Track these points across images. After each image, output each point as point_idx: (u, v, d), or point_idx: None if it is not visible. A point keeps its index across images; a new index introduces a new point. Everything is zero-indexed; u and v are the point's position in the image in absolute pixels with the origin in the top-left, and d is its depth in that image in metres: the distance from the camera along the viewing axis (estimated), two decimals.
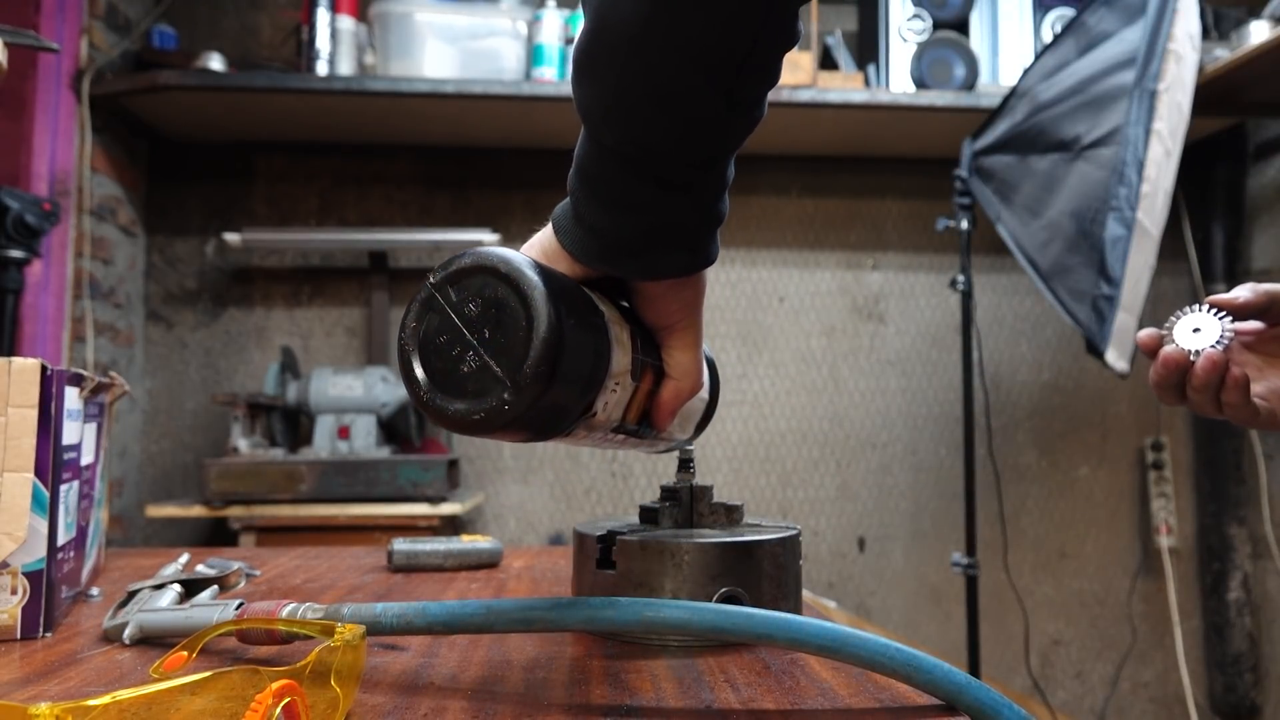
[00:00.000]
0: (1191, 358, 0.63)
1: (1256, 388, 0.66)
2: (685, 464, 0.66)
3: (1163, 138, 1.60)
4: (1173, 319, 0.66)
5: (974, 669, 1.87)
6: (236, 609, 0.52)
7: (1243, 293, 0.65)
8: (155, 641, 0.54)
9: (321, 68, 1.99)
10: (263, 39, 2.32)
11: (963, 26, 2.14)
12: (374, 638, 0.52)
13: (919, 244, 2.44)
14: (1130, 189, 1.59)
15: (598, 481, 2.33)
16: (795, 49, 2.26)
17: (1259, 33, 1.88)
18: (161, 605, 0.58)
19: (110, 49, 2.04)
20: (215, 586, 0.64)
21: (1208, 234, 2.38)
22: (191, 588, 0.63)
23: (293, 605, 0.51)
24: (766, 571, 0.57)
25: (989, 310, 2.43)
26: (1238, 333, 0.65)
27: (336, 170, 2.33)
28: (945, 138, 2.14)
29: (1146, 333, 0.67)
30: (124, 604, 0.59)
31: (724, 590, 0.55)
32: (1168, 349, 0.64)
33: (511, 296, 0.42)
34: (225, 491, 1.83)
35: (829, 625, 0.43)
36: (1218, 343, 0.62)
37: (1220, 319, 0.63)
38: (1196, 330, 0.63)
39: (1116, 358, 1.60)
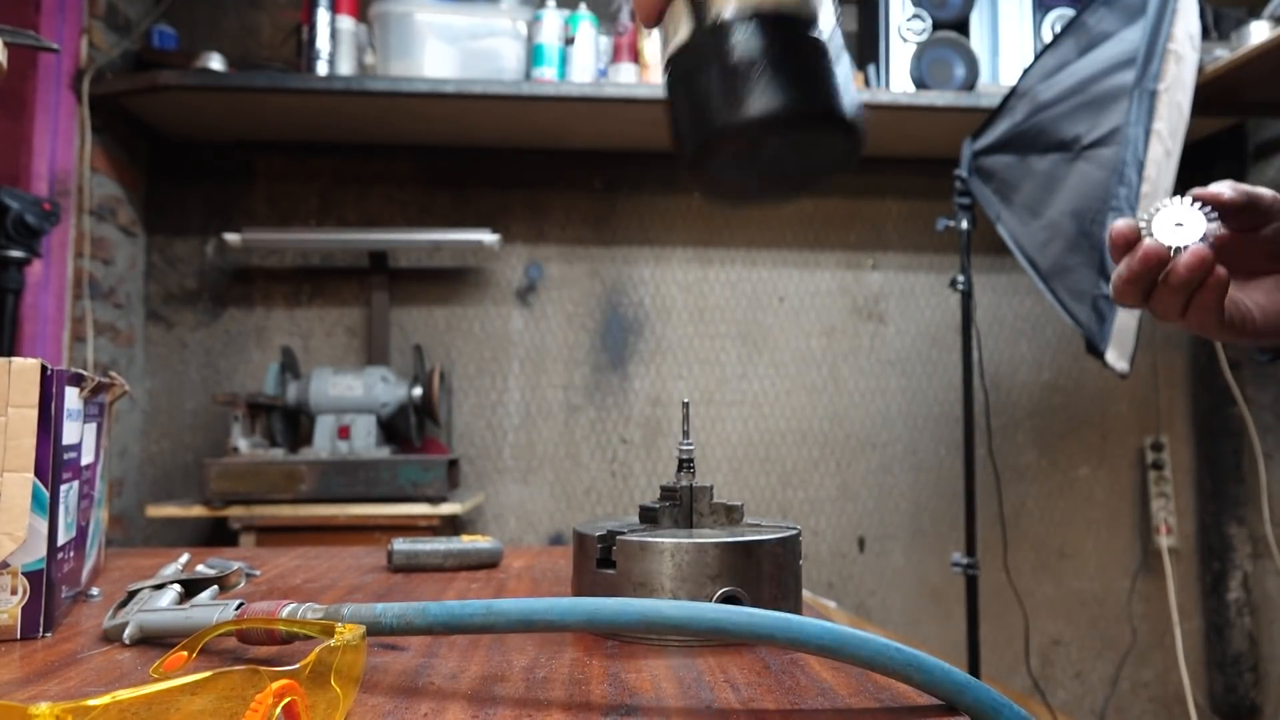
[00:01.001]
0: (1172, 254, 0.58)
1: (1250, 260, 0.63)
2: (685, 464, 0.66)
3: (1163, 138, 1.60)
4: (1151, 210, 0.60)
5: (974, 669, 1.87)
6: (236, 609, 0.52)
7: (1224, 189, 0.60)
8: (155, 641, 0.54)
9: (321, 68, 1.99)
10: (263, 39, 2.32)
11: (963, 26, 2.14)
12: (374, 638, 0.52)
13: (919, 244, 2.44)
14: (1130, 189, 1.59)
15: (598, 481, 2.33)
16: None
17: (1259, 33, 1.88)
18: (161, 605, 0.58)
19: (110, 49, 2.04)
20: (215, 586, 0.64)
21: None
22: (191, 588, 0.63)
23: (293, 605, 0.51)
24: (766, 571, 0.57)
25: (989, 310, 2.44)
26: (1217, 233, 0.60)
27: (336, 170, 2.33)
28: (945, 138, 2.14)
29: (1123, 223, 0.61)
30: (124, 604, 0.59)
31: (724, 590, 0.55)
32: (1148, 243, 0.59)
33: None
34: (225, 491, 1.84)
35: (829, 625, 0.43)
36: (1204, 238, 0.58)
37: (1205, 213, 0.58)
38: (1179, 225, 0.58)
39: (1116, 358, 1.60)
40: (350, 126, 2.18)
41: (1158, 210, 0.59)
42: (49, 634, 0.55)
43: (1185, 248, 0.57)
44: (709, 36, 0.45)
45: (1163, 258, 0.58)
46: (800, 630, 0.43)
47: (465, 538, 0.84)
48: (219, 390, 2.24)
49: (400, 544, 0.81)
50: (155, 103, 2.02)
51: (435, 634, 0.51)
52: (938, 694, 0.42)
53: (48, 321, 1.88)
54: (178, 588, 0.61)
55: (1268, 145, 2.31)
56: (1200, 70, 1.78)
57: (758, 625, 0.43)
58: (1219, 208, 0.59)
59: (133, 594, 0.61)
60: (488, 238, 2.14)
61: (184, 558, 0.78)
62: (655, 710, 0.42)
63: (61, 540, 0.57)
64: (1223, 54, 1.91)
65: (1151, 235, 0.59)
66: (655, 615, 0.45)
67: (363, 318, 2.30)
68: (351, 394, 2.01)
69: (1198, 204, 0.59)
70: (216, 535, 2.19)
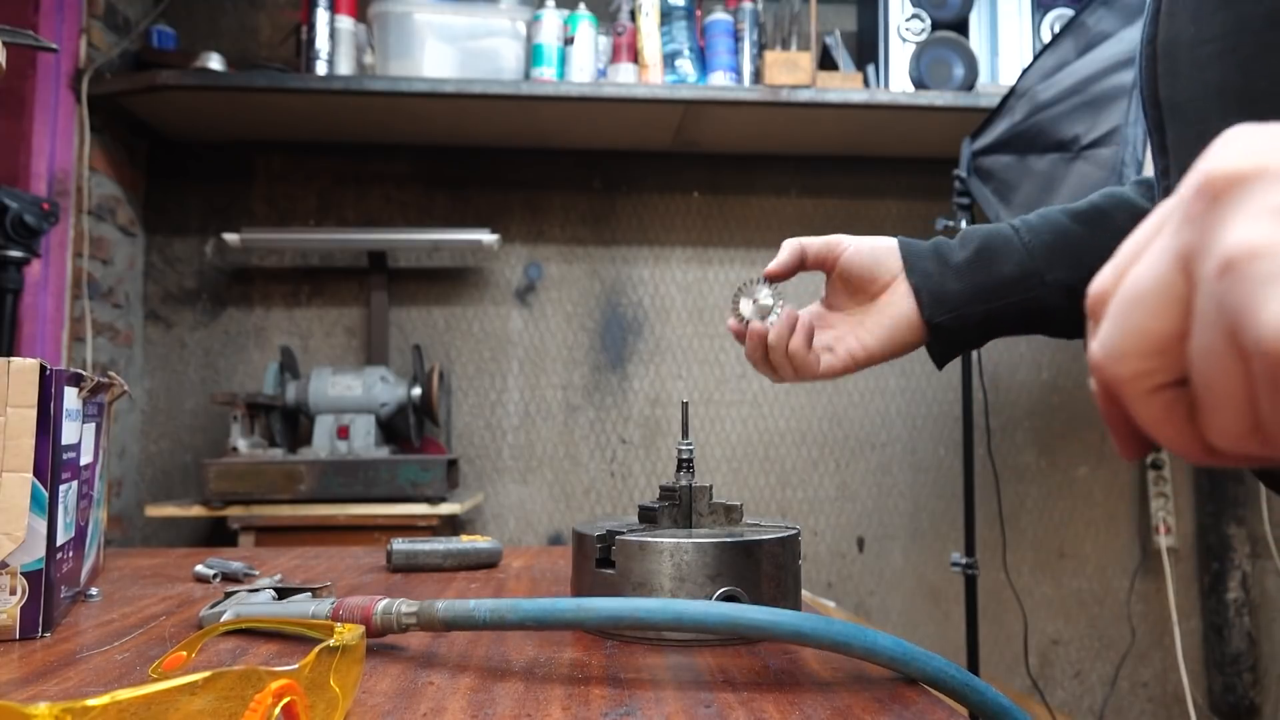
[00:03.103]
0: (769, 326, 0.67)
1: (823, 338, 0.70)
2: (684, 464, 0.66)
3: None
4: (736, 297, 0.69)
5: (973, 669, 1.87)
6: (331, 605, 0.53)
7: (783, 255, 0.69)
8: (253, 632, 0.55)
9: (321, 68, 1.99)
10: (262, 39, 2.32)
11: (962, 26, 2.14)
12: (373, 639, 0.52)
13: None
14: None
15: (597, 481, 2.33)
16: (794, 49, 2.24)
17: None
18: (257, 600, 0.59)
19: (109, 49, 2.04)
20: (309, 593, 0.64)
21: None
22: (284, 595, 0.63)
23: (386, 601, 0.51)
24: (766, 571, 0.57)
25: None
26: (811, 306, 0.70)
27: (336, 170, 2.33)
28: (944, 138, 2.14)
29: (731, 323, 0.70)
30: (218, 604, 0.60)
31: (723, 590, 0.55)
32: (751, 326, 0.67)
33: None
34: (225, 491, 1.83)
35: (900, 641, 0.45)
36: (768, 316, 0.66)
37: (771, 289, 0.67)
38: (760, 303, 0.68)
39: None
40: (350, 126, 2.18)
41: (740, 296, 0.68)
42: (48, 634, 0.55)
43: (769, 320, 0.66)
44: None
45: (764, 334, 0.66)
46: (871, 641, 0.45)
47: (464, 538, 0.84)
48: (218, 390, 2.24)
49: (399, 544, 0.81)
50: (154, 102, 2.02)
51: (527, 629, 0.51)
52: (985, 714, 0.43)
53: (47, 321, 1.88)
54: (272, 592, 0.62)
55: None
56: None
57: (822, 631, 0.45)
58: (783, 276, 0.69)
59: (229, 595, 0.61)
60: (487, 238, 2.14)
61: (277, 575, 0.78)
62: (655, 710, 0.42)
63: (60, 540, 0.57)
64: None
65: (745, 320, 0.67)
66: (741, 618, 0.46)
67: (362, 318, 2.30)
68: (351, 394, 2.00)
69: (768, 282, 0.67)
70: (216, 535, 2.19)
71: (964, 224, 1.93)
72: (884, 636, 0.45)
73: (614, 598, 0.48)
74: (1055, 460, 2.43)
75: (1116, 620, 2.40)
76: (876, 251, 0.69)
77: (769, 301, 0.67)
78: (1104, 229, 0.66)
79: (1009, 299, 0.66)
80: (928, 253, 0.68)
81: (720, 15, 2.13)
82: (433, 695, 0.44)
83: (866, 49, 2.23)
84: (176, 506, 1.87)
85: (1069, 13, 2.14)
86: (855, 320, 0.71)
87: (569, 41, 2.07)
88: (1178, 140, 0.49)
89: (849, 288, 0.71)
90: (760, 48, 2.13)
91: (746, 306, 0.68)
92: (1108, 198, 0.68)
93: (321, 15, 2.00)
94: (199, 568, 0.77)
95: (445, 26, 2.03)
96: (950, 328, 0.67)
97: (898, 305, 0.69)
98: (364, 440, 1.98)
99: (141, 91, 1.95)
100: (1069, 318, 0.66)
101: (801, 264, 0.70)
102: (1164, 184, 0.51)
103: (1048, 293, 0.66)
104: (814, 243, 0.69)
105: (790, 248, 0.69)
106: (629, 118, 2.11)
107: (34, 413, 0.54)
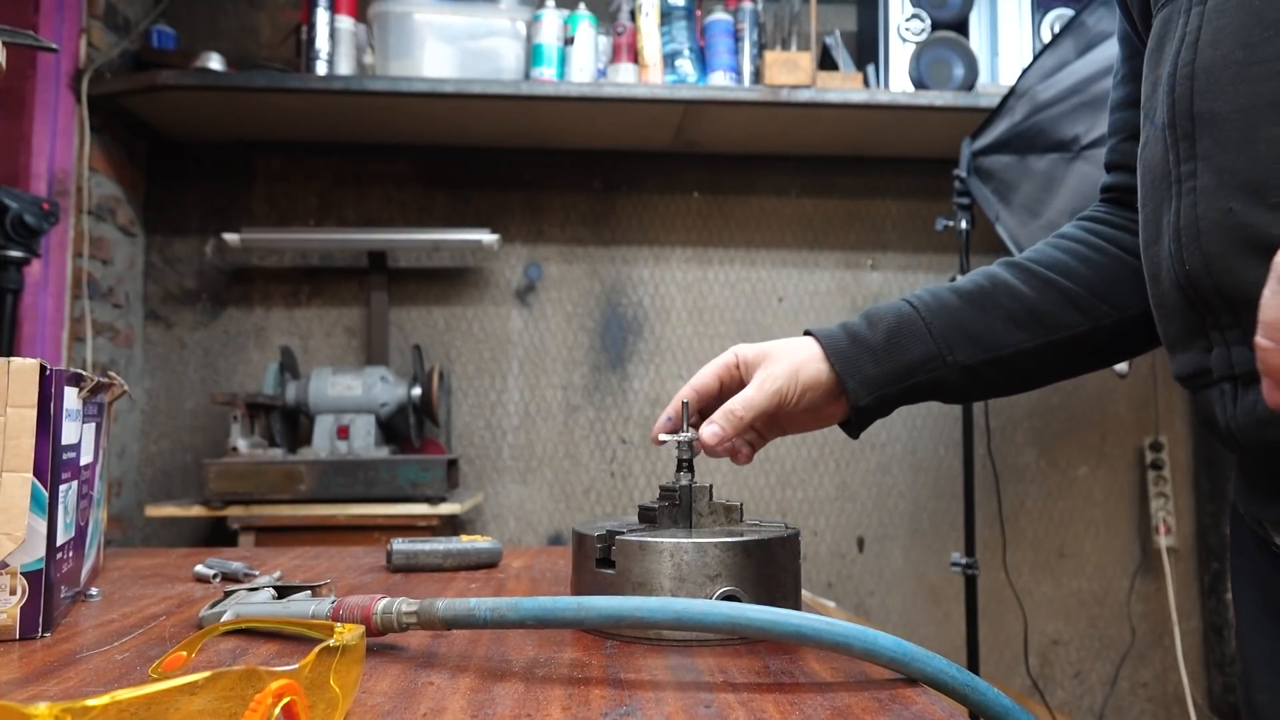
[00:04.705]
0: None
1: (747, 436, 0.75)
2: (684, 464, 0.66)
3: None
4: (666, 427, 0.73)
5: (973, 669, 1.87)
6: (331, 604, 0.53)
7: (725, 431, 0.70)
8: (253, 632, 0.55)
9: (321, 68, 1.99)
10: (262, 39, 2.32)
11: (962, 27, 2.14)
12: (373, 638, 0.52)
13: (918, 244, 2.44)
14: None
15: (597, 481, 2.33)
16: (794, 49, 2.23)
17: None
18: (257, 600, 0.59)
19: (109, 49, 2.04)
20: (308, 592, 0.64)
21: None
22: (284, 594, 0.63)
23: (386, 600, 0.51)
24: (766, 571, 0.57)
25: None
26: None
27: (336, 170, 2.33)
28: (944, 138, 2.14)
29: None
30: (218, 602, 0.59)
31: (723, 590, 0.55)
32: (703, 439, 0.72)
33: None
34: (224, 491, 1.83)
35: (900, 642, 0.45)
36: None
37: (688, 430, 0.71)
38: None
39: None
40: (350, 126, 2.18)
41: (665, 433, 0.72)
42: (48, 634, 0.55)
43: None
44: None
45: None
46: (873, 642, 0.45)
47: (464, 538, 0.84)
48: (218, 390, 2.24)
49: (399, 544, 0.81)
50: (154, 102, 2.02)
51: (527, 627, 0.52)
52: (988, 716, 0.44)
53: (47, 321, 1.88)
54: (272, 591, 0.61)
55: None
56: None
57: (826, 632, 0.46)
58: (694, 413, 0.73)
59: (229, 595, 0.61)
60: (487, 238, 2.14)
61: (277, 574, 0.78)
62: (655, 710, 0.42)
63: (60, 540, 0.57)
64: None
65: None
66: (741, 618, 0.46)
67: (362, 318, 2.30)
68: (351, 394, 2.00)
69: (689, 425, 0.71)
70: (216, 535, 2.19)
71: (964, 224, 1.93)
72: (885, 637, 0.45)
73: (614, 597, 0.48)
74: (1055, 460, 2.43)
75: (1116, 620, 2.40)
76: (812, 392, 0.72)
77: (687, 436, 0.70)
78: (990, 311, 0.74)
79: (918, 378, 0.73)
80: (844, 341, 0.73)
81: (720, 15, 2.13)
82: (433, 695, 0.44)
83: (866, 49, 2.23)
84: (176, 506, 1.87)
85: (1069, 13, 2.14)
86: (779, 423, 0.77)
87: (569, 41, 2.07)
88: (1215, 144, 0.56)
89: (795, 425, 0.77)
90: (760, 48, 2.13)
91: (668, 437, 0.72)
92: (987, 278, 0.75)
93: (321, 15, 2.00)
94: (199, 568, 0.77)
95: (445, 26, 2.03)
96: (871, 407, 0.73)
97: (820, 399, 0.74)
98: (364, 440, 1.98)
99: (141, 91, 1.95)
100: (960, 390, 0.75)
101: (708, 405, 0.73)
102: (1190, 184, 0.57)
103: (948, 371, 0.73)
104: (752, 418, 0.70)
105: (733, 425, 0.69)
106: (629, 118, 2.11)
107: (34, 413, 0.54)
